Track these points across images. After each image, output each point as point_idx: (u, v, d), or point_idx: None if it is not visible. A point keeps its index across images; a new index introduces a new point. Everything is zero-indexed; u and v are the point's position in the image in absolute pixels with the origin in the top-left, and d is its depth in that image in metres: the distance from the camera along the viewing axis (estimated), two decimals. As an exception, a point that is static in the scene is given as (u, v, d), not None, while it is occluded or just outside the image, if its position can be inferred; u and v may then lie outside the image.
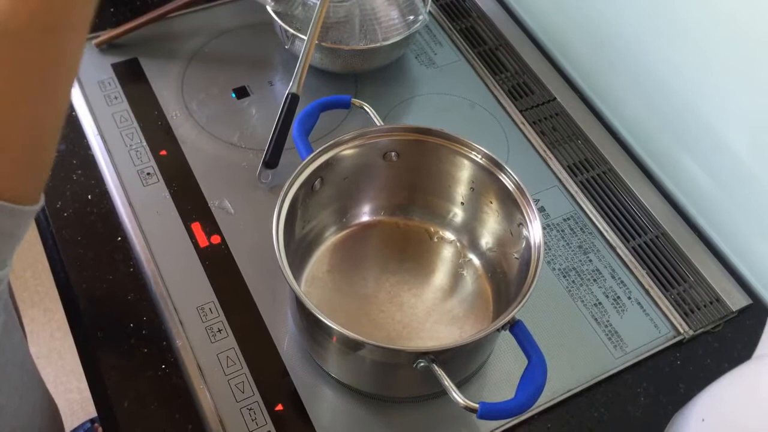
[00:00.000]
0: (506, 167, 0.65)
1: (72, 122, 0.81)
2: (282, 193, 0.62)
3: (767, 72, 0.68)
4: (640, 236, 0.78)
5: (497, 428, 0.64)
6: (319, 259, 0.71)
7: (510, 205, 0.65)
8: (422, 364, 0.56)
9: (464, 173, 0.69)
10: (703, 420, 0.55)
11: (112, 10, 0.92)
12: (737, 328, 0.73)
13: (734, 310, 0.73)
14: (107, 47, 0.88)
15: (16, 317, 0.60)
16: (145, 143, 0.80)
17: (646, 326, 0.72)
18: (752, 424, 0.51)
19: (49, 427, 0.70)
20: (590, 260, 0.76)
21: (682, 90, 0.78)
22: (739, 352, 0.71)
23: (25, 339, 0.65)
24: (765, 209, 0.73)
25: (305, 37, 0.77)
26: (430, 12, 0.87)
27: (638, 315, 0.72)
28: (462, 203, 0.72)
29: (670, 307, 0.73)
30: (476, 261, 0.72)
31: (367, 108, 0.72)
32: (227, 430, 0.62)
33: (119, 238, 0.73)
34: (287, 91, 0.77)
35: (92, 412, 1.37)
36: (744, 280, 0.77)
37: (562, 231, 0.78)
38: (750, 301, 0.74)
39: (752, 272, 0.77)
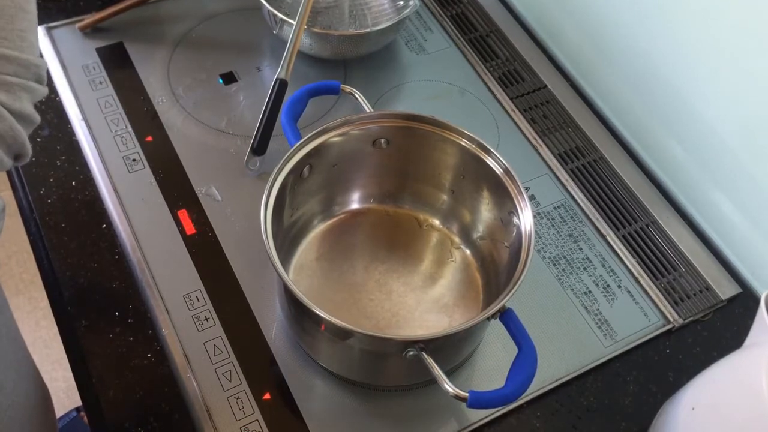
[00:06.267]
0: (497, 155, 0.64)
1: (56, 107, 0.80)
2: (270, 180, 0.61)
3: (756, 61, 0.68)
4: (630, 224, 0.78)
5: (487, 417, 0.64)
6: (307, 247, 0.71)
7: (500, 193, 0.65)
8: (411, 352, 0.55)
9: (454, 160, 0.68)
10: (693, 409, 0.55)
11: (96, -7, 0.90)
12: (727, 316, 0.73)
13: (724, 298, 0.73)
14: (92, 31, 0.86)
15: (3, 294, 0.59)
16: (130, 129, 0.79)
17: (636, 315, 0.71)
18: (742, 413, 0.51)
19: (42, 404, 0.70)
20: (580, 248, 0.75)
21: (673, 78, 0.78)
22: (729, 340, 0.71)
23: (13, 318, 0.64)
24: (754, 198, 0.73)
25: (294, 22, 0.76)
26: (420, -3, 0.86)
27: (628, 303, 0.72)
28: (452, 191, 0.71)
29: (660, 296, 0.73)
30: (466, 249, 0.72)
31: (357, 94, 0.71)
32: (214, 420, 0.61)
33: (104, 226, 0.72)
34: (275, 77, 0.76)
35: (78, 401, 1.36)
36: (734, 269, 0.77)
37: (553, 219, 0.77)
38: (739, 290, 0.74)
39: (742, 261, 0.77)
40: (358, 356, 0.62)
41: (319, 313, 0.54)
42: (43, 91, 0.46)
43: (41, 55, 0.46)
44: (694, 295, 0.73)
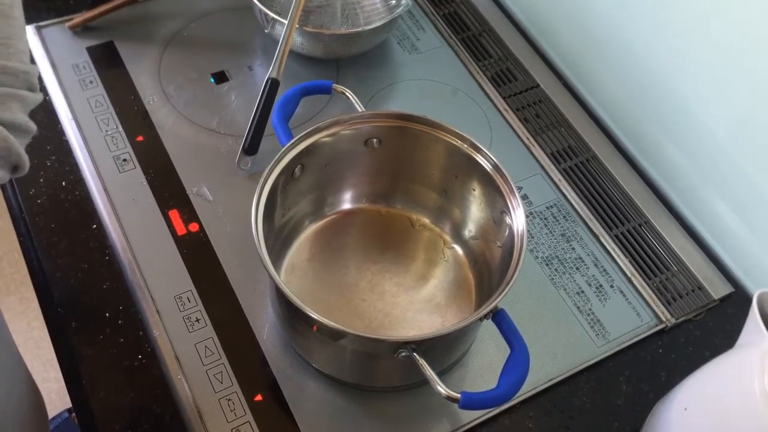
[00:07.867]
0: (489, 154, 0.64)
1: (46, 107, 0.79)
2: (261, 180, 0.61)
3: (748, 61, 0.68)
4: (623, 224, 0.78)
5: (479, 417, 0.64)
6: (299, 247, 0.70)
7: (493, 192, 0.65)
8: (404, 353, 0.55)
9: (447, 160, 0.68)
10: (685, 408, 0.55)
11: (87, -9, 0.90)
12: (719, 316, 0.73)
13: (716, 298, 0.73)
14: (82, 30, 0.86)
15: None
16: (121, 129, 0.78)
17: (629, 314, 0.71)
18: (734, 413, 0.51)
19: (34, 410, 0.69)
20: (573, 248, 0.75)
21: (666, 77, 0.78)
22: (721, 340, 0.71)
23: (5, 322, 0.63)
24: (747, 197, 0.73)
25: (285, 21, 0.76)
26: (412, -4, 0.86)
27: (621, 303, 0.72)
28: (444, 191, 0.71)
29: (653, 295, 0.73)
30: (459, 249, 0.72)
31: (349, 94, 0.71)
32: (205, 421, 0.61)
33: (94, 226, 0.72)
34: (267, 76, 0.75)
35: (70, 402, 1.36)
36: (726, 268, 0.77)
37: (545, 219, 0.77)
38: (732, 290, 0.74)
39: (734, 260, 0.77)
40: (350, 357, 0.62)
41: (310, 314, 0.54)
42: (36, 98, 0.45)
43: (33, 61, 0.44)
44: (687, 294, 0.73)
